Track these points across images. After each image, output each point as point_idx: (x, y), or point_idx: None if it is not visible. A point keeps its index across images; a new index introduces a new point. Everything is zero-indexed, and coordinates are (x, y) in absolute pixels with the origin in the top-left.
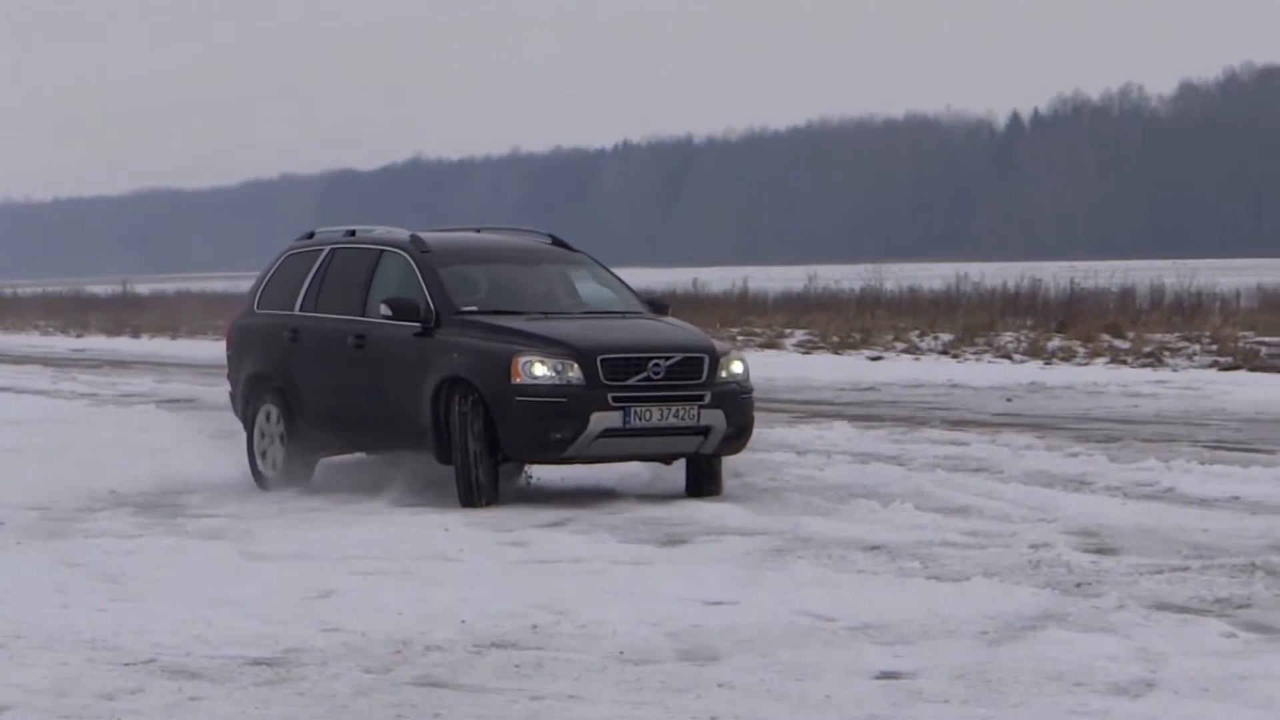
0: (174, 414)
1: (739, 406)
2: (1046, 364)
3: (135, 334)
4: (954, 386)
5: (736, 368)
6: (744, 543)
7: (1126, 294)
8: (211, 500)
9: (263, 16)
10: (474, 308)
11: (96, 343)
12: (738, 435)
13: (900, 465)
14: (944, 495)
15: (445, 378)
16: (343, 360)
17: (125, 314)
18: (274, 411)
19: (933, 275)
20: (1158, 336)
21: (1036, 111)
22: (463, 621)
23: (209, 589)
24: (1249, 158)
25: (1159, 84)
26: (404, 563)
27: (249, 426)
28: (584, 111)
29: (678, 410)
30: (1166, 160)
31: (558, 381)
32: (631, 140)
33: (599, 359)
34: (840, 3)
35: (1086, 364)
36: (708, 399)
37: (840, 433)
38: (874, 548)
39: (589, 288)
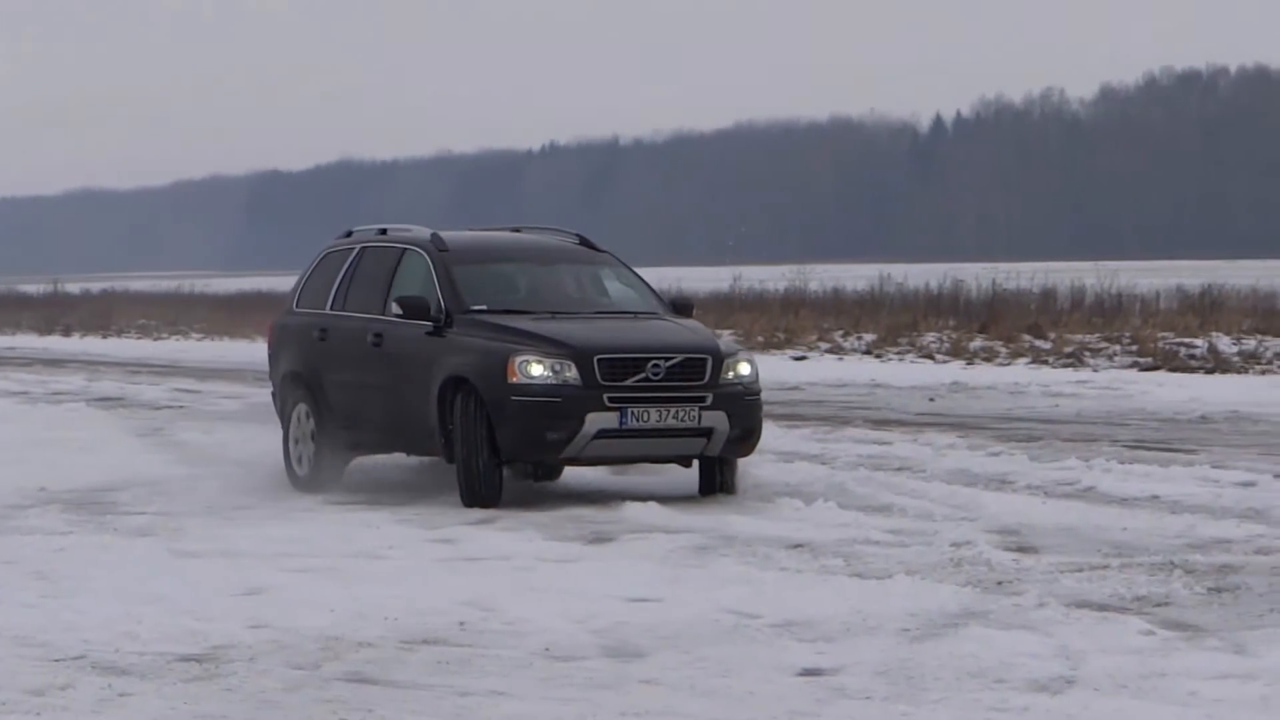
0: (104, 412)
1: (743, 409)
2: (968, 364)
3: (66, 332)
4: (877, 386)
5: (743, 369)
6: (669, 540)
7: (1048, 295)
8: (140, 498)
9: (192, 17)
10: (484, 307)
11: (27, 341)
12: (743, 438)
13: (824, 464)
14: (867, 494)
15: (449, 377)
16: (363, 359)
17: (56, 312)
18: (305, 410)
19: (856, 276)
20: (1078, 337)
21: (959, 114)
22: (391, 619)
23: (138, 586)
24: (1168, 161)
25: (1080, 87)
26: (333, 560)
27: (284, 426)
28: (511, 113)
29: (677, 412)
30: (1087, 163)
31: (554, 381)
32: (558, 142)
33: (595, 359)
34: (765, 7)
35: (1008, 364)
36: (709, 400)
37: (765, 432)
38: (798, 546)
39: (607, 287)
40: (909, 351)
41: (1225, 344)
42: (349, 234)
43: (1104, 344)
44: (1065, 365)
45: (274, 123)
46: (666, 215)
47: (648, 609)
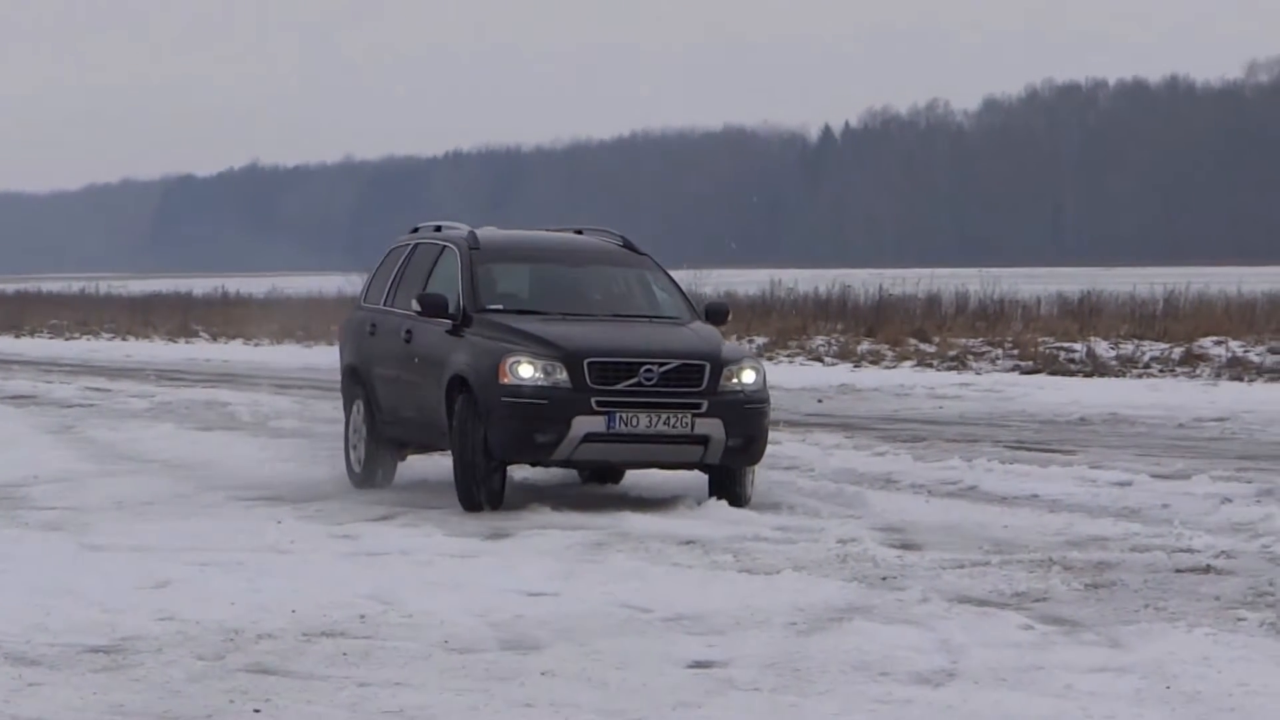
0: (16, 409)
1: (742, 416)
2: (856, 366)
3: None
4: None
5: (747, 377)
6: (565, 537)
7: (933, 300)
8: (51, 493)
9: (103, 23)
10: (500, 306)
11: None
12: (744, 447)
13: None
14: (756, 492)
15: (453, 376)
16: (399, 355)
17: None
18: (359, 406)
19: (748, 281)
20: (962, 341)
21: (847, 125)
22: (293, 611)
23: (48, 579)
24: (1050, 171)
25: (964, 99)
26: (237, 554)
27: (346, 422)
28: (416, 120)
29: (668, 418)
30: (971, 172)
31: (543, 383)
32: (462, 149)
33: (585, 362)
34: (661, 18)
35: (894, 367)
36: (704, 407)
37: None
38: (689, 542)
39: (635, 291)
40: (799, 354)
41: (1103, 348)
42: (414, 230)
43: (987, 348)
44: (949, 368)
45: (186, 128)
46: (568, 220)
47: (544, 603)
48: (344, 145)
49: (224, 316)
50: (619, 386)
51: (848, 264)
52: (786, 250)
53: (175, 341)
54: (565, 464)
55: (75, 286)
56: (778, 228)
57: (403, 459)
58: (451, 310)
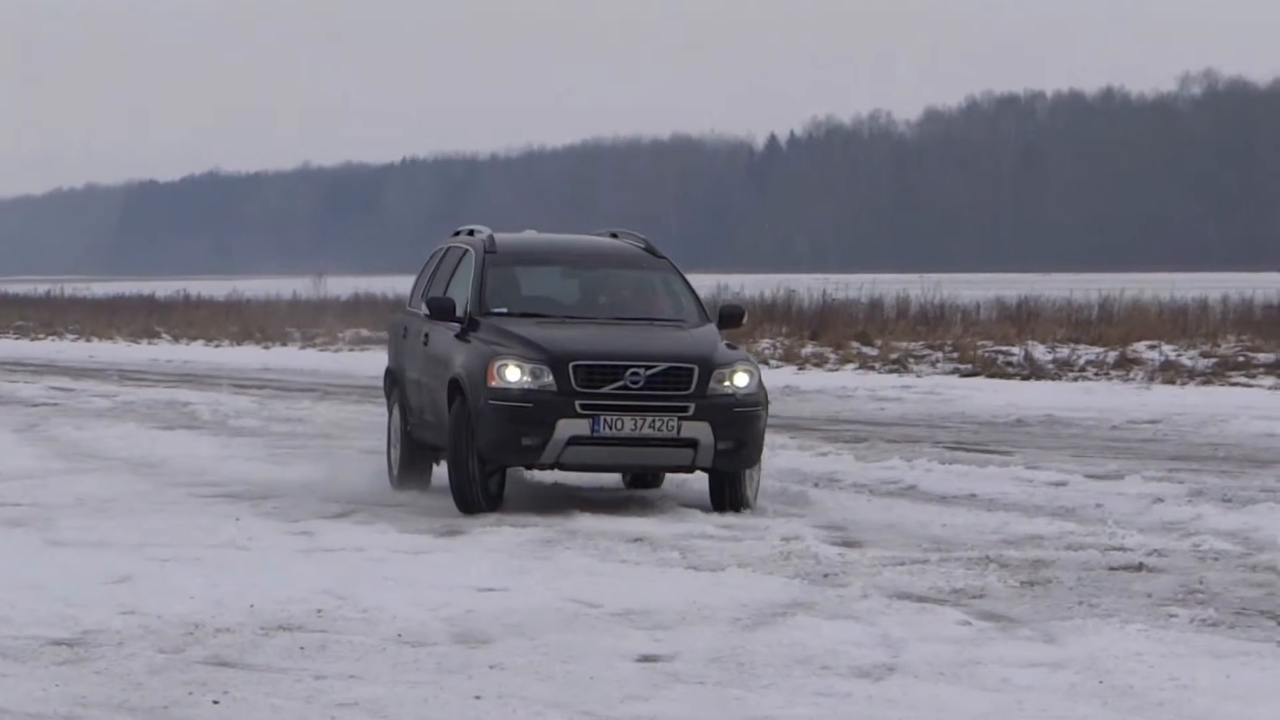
0: None
1: (732, 420)
2: (800, 369)
3: None
4: None
5: (740, 380)
6: (517, 534)
7: (875, 305)
8: (16, 490)
9: (66, 31)
10: (504, 309)
11: None
12: (735, 450)
13: None
14: (701, 490)
15: (451, 379)
16: (420, 359)
17: None
18: (396, 409)
19: (696, 285)
20: (903, 345)
21: (792, 134)
22: (251, 606)
23: (12, 573)
24: (989, 179)
25: (905, 110)
26: (197, 550)
27: (388, 424)
28: (372, 127)
29: (654, 421)
30: (912, 180)
31: (530, 386)
32: (417, 156)
33: (571, 365)
34: (612, 29)
35: (837, 370)
36: (691, 411)
37: None
38: (637, 539)
39: (644, 294)
40: None
41: (1040, 352)
42: (455, 234)
43: (927, 351)
44: (891, 371)
45: (149, 134)
46: (522, 226)
47: (495, 598)
48: (302, 153)
49: (185, 318)
50: (605, 390)
51: (792, 269)
52: (733, 255)
53: (138, 342)
54: (555, 467)
55: (40, 289)
56: (724, 233)
57: (438, 463)
58: (458, 314)
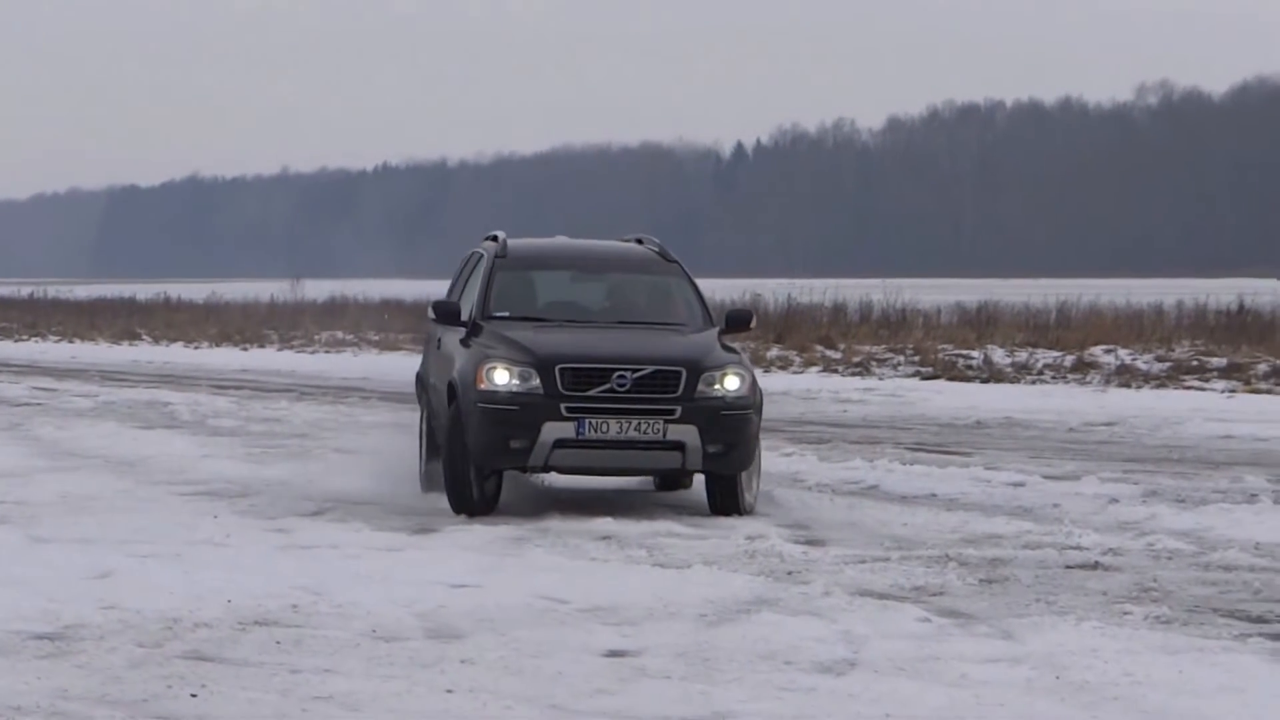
0: None
1: (720, 423)
2: (765, 371)
3: None
4: None
5: (730, 383)
6: (488, 532)
7: (839, 309)
8: (0, 488)
9: (49, 37)
10: (506, 313)
11: None
12: (725, 453)
13: None
14: (668, 491)
15: (449, 382)
16: (436, 363)
17: None
18: (424, 414)
19: None
20: (866, 348)
21: (759, 142)
22: (229, 601)
23: None
24: (950, 187)
25: (869, 118)
26: (176, 546)
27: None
28: (349, 134)
29: (639, 424)
30: (875, 188)
31: (518, 389)
32: (391, 162)
33: (557, 368)
34: (582, 38)
35: (801, 372)
36: (678, 414)
37: None
38: (606, 538)
39: (649, 298)
40: None
41: (999, 356)
42: (486, 239)
43: (889, 354)
44: (854, 374)
45: (130, 140)
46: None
47: (467, 594)
48: (280, 158)
49: (165, 320)
50: (591, 393)
51: (758, 274)
52: (700, 261)
53: (119, 344)
54: (544, 469)
55: (24, 291)
56: (692, 239)
57: None
58: (463, 318)
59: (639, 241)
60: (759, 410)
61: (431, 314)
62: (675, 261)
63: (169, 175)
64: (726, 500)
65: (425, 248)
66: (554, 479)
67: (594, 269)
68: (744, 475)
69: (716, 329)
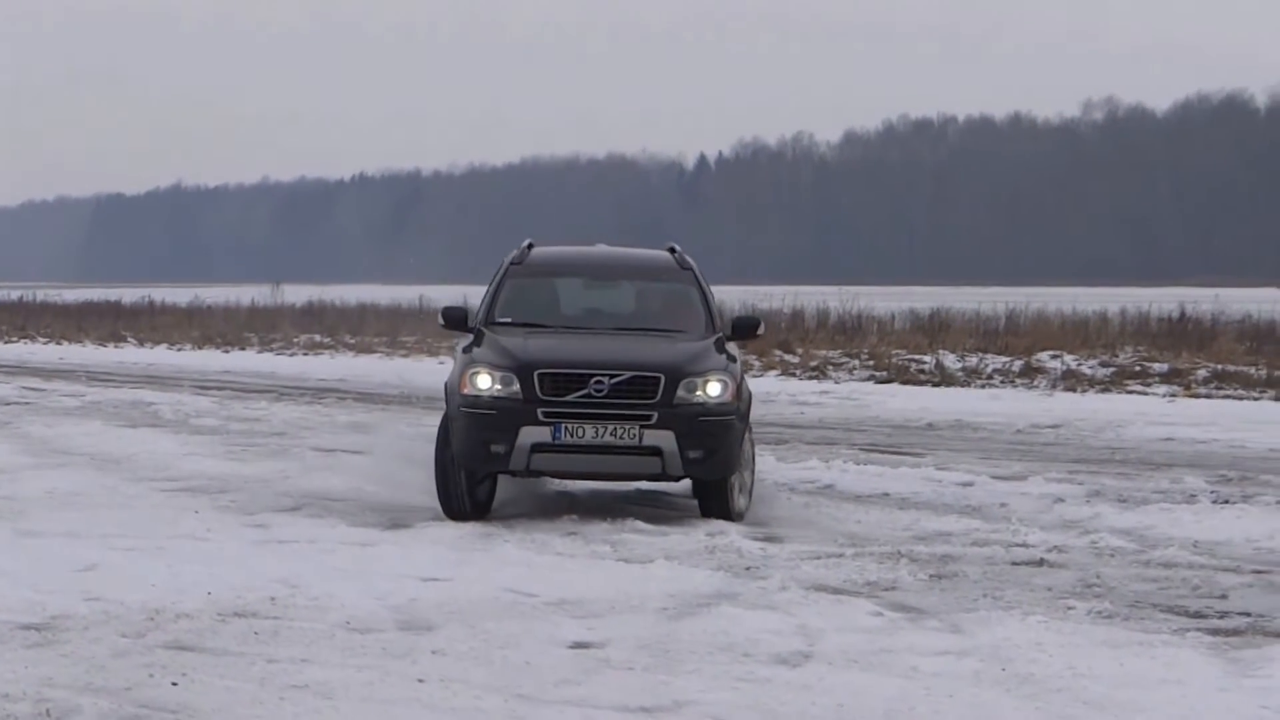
0: None
1: (698, 429)
2: None
3: None
4: None
5: (712, 389)
6: (458, 528)
7: (797, 315)
8: None
9: (39, 46)
10: (508, 320)
11: None
12: (705, 459)
13: None
14: (633, 490)
15: (445, 385)
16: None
17: None
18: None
19: None
20: (823, 353)
21: (721, 154)
22: (209, 593)
23: None
24: (904, 198)
25: (827, 132)
26: (158, 541)
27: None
28: (326, 145)
29: (615, 429)
30: (833, 199)
31: (499, 394)
32: (367, 172)
33: (535, 373)
34: (549, 51)
35: (761, 376)
36: (654, 419)
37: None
38: (571, 534)
39: (655, 305)
40: None
41: (951, 360)
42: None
43: (845, 359)
44: (810, 377)
45: (117, 150)
46: (463, 240)
47: (438, 587)
48: (260, 168)
49: (150, 323)
50: (568, 398)
51: (719, 281)
52: None
53: (105, 346)
54: (527, 474)
55: (13, 295)
56: (656, 247)
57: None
58: (469, 324)
59: (671, 250)
60: (744, 417)
61: (441, 320)
62: (689, 269)
63: (154, 184)
64: (716, 505)
65: (398, 254)
66: (554, 479)
67: (606, 276)
68: (735, 480)
69: (718, 336)
